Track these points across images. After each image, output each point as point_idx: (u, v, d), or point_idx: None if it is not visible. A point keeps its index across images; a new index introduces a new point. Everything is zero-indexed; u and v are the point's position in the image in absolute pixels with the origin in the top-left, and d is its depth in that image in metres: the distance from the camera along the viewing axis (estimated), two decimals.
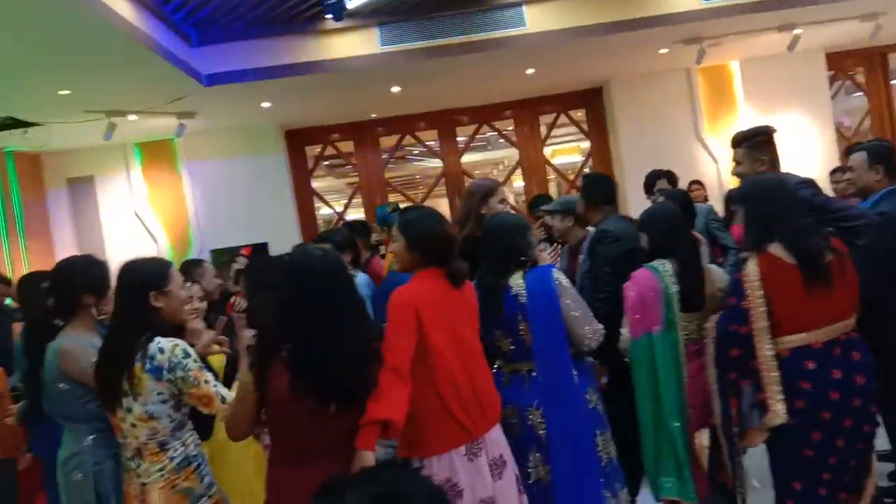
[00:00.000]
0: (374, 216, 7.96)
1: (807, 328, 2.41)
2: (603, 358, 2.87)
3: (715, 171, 7.38)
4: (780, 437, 2.44)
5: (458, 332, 2.29)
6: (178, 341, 2.18)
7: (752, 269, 2.45)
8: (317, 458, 1.96)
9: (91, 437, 2.44)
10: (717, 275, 2.83)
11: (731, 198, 3.80)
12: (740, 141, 3.05)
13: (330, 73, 5.74)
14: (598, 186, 3.41)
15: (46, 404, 2.58)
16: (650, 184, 4.83)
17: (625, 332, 2.74)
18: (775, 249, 2.43)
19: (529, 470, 2.53)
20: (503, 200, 3.24)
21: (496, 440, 2.33)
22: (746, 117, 7.43)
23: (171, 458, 2.17)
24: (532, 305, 2.52)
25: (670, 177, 4.80)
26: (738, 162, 3.05)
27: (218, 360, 2.70)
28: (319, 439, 1.97)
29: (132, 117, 5.96)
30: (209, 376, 2.16)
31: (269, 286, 2.11)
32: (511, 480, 2.34)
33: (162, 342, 2.14)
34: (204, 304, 3.04)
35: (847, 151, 5.11)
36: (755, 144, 3.00)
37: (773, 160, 3.01)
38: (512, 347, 2.57)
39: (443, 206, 8.24)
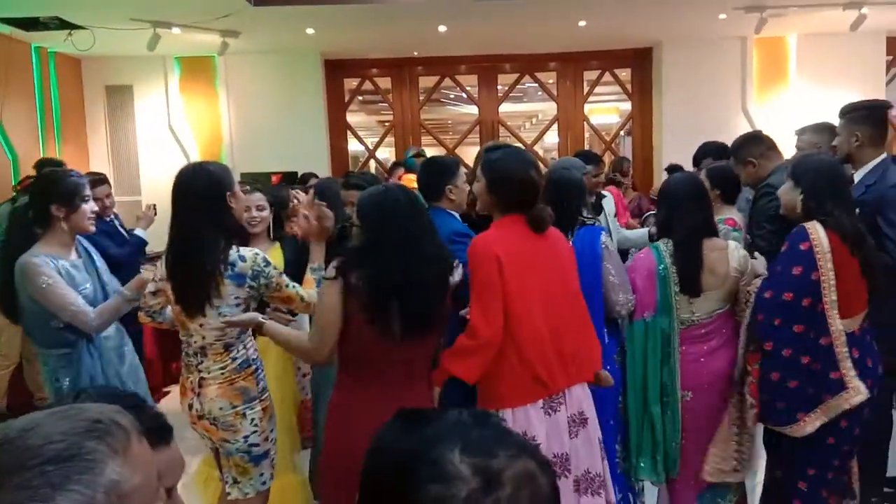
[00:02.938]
0: (404, 156, 7.94)
1: (851, 314, 2.38)
2: None
3: None
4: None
5: (545, 282, 2.20)
6: (257, 250, 2.26)
7: (822, 237, 2.30)
8: (382, 370, 1.98)
9: (55, 355, 2.46)
10: (735, 254, 2.63)
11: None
12: (843, 113, 2.93)
13: (380, 4, 5.62)
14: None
15: (21, 319, 2.58)
16: (698, 157, 4.49)
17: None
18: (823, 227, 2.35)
19: None
20: None
21: (578, 397, 2.24)
22: (797, 93, 7.25)
23: (234, 359, 2.26)
24: (577, 263, 2.48)
25: (720, 152, 4.53)
26: (837, 134, 2.96)
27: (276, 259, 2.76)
28: (386, 356, 1.98)
29: (176, 30, 5.89)
30: (287, 279, 2.27)
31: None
32: (589, 440, 2.25)
33: (242, 250, 2.21)
34: (266, 213, 3.00)
35: None
36: (855, 118, 2.87)
37: (874, 139, 2.84)
38: None
39: (474, 153, 8.14)
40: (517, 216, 2.21)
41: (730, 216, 3.23)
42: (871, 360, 2.41)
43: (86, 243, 2.68)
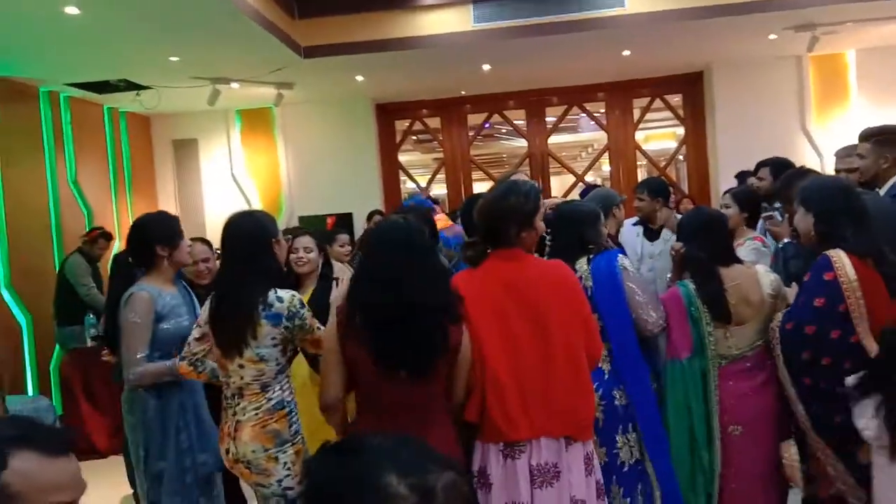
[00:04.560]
0: (458, 193, 8.05)
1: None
2: None
3: (819, 166, 6.95)
4: None
5: (512, 325, 2.11)
6: (294, 292, 2.35)
7: (847, 266, 2.22)
8: (396, 414, 1.98)
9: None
10: (766, 278, 2.59)
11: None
12: (868, 136, 2.98)
13: (423, 49, 5.79)
14: None
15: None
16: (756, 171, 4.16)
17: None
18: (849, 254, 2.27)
19: (616, 451, 2.42)
20: None
21: (554, 449, 2.09)
22: (859, 111, 6.95)
23: (269, 399, 2.32)
24: (599, 289, 2.49)
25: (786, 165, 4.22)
26: (861, 156, 2.98)
27: None
28: (394, 398, 2.00)
29: (234, 85, 6.24)
30: (318, 323, 2.36)
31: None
32: (560, 497, 2.07)
33: (280, 292, 2.30)
34: (313, 255, 3.18)
35: None
36: (883, 141, 2.92)
37: None
38: None
39: None
40: (507, 251, 2.18)
41: (758, 235, 3.23)
42: None
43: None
